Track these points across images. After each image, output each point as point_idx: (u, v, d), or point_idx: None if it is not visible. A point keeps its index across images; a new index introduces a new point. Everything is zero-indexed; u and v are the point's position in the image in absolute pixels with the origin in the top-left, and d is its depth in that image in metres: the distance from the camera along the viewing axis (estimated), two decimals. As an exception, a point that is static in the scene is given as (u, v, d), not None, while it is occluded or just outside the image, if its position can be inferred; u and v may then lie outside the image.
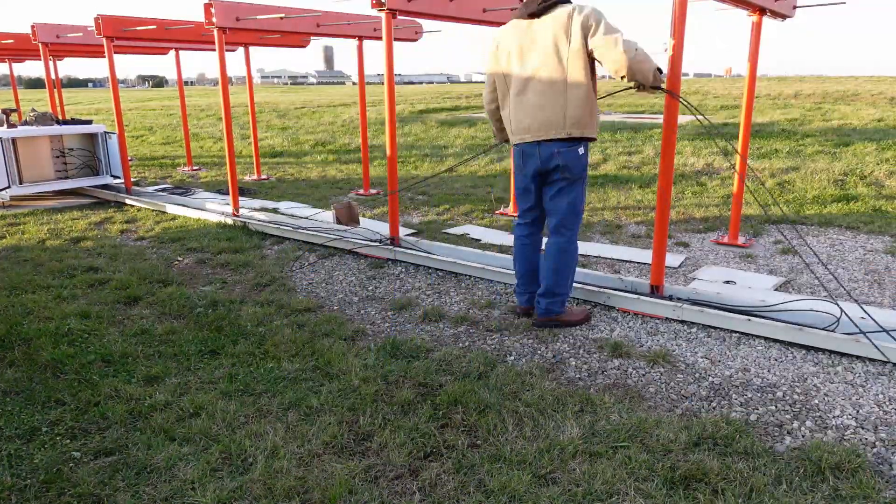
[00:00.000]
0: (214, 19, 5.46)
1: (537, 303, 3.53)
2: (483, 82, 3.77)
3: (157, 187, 8.36)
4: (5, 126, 7.24)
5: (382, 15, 4.51)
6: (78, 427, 2.54)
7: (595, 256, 4.89)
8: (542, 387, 2.80)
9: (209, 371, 3.01)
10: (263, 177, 9.18)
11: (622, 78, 3.12)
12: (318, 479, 2.20)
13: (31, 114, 7.50)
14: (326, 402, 2.69)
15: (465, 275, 4.42)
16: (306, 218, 6.05)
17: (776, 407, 2.66)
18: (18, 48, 9.33)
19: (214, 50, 5.71)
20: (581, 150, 3.32)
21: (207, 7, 5.44)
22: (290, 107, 23.05)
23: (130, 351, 3.22)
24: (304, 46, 8.57)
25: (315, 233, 5.31)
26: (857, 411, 2.62)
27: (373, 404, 2.67)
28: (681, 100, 3.41)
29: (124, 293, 4.08)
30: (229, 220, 5.99)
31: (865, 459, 2.26)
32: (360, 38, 7.09)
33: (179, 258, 4.96)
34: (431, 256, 4.61)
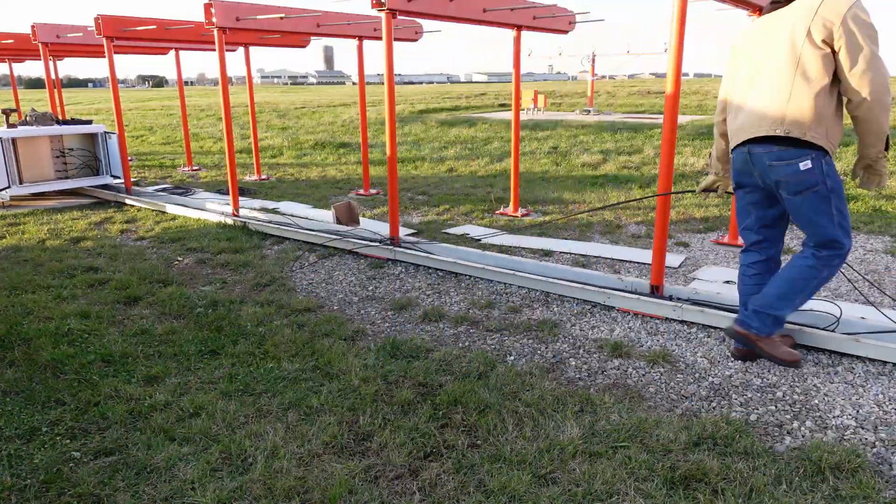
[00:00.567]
0: (214, 19, 5.46)
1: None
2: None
3: (156, 187, 8.36)
4: (5, 126, 7.24)
5: (382, 15, 4.51)
6: (78, 427, 2.54)
7: (595, 256, 4.89)
8: (542, 387, 2.80)
9: (209, 371, 3.01)
10: (263, 177, 9.18)
11: None
12: (318, 479, 2.20)
13: (31, 114, 7.49)
14: (326, 402, 2.69)
15: (465, 275, 4.43)
16: (306, 218, 6.05)
17: (776, 407, 2.66)
18: (18, 48, 9.34)
19: (214, 50, 5.71)
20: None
21: (207, 7, 5.45)
22: (290, 107, 23.07)
23: (130, 351, 3.22)
24: (304, 46, 8.58)
25: (315, 233, 5.31)
26: (857, 411, 2.62)
27: (373, 404, 2.67)
28: None
29: (124, 293, 4.08)
30: (229, 220, 5.99)
31: (865, 459, 2.26)
32: (360, 38, 7.10)
33: (179, 258, 4.96)
34: (431, 256, 4.61)
